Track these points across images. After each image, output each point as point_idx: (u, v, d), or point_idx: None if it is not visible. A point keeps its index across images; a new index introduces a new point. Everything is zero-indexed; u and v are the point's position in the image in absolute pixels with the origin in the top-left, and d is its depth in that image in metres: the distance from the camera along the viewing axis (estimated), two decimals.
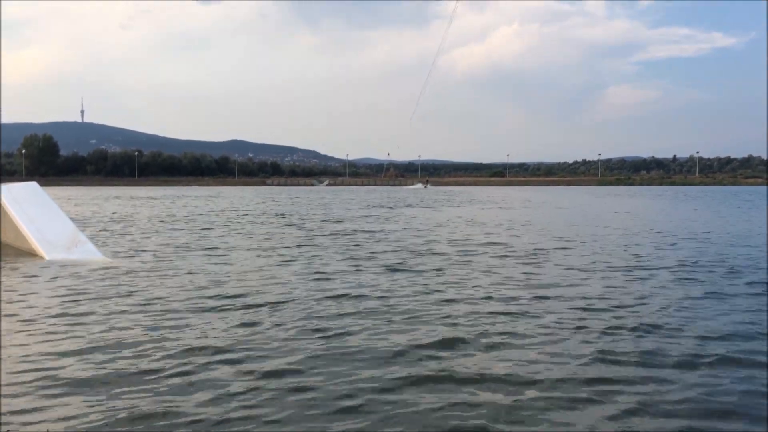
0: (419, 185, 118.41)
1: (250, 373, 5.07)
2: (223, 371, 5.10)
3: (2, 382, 4.78)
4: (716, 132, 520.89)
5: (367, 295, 8.24)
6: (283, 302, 7.77)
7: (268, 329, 6.44)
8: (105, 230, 18.88)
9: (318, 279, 9.64)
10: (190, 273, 10.15)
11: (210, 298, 8.05)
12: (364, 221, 23.56)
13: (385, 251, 13.38)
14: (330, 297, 8.13)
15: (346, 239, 16.08)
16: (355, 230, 19.03)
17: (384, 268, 10.82)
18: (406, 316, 7.09)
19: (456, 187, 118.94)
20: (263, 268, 10.84)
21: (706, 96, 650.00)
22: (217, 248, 13.85)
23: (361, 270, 10.60)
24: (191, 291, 8.51)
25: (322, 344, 5.90)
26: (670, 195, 63.96)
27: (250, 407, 4.34)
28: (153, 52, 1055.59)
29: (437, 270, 10.57)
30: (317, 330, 6.40)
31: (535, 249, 13.69)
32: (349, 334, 6.26)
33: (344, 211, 31.60)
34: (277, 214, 28.09)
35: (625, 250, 13.46)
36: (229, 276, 9.86)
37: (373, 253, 13.07)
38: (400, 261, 11.76)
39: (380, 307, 7.49)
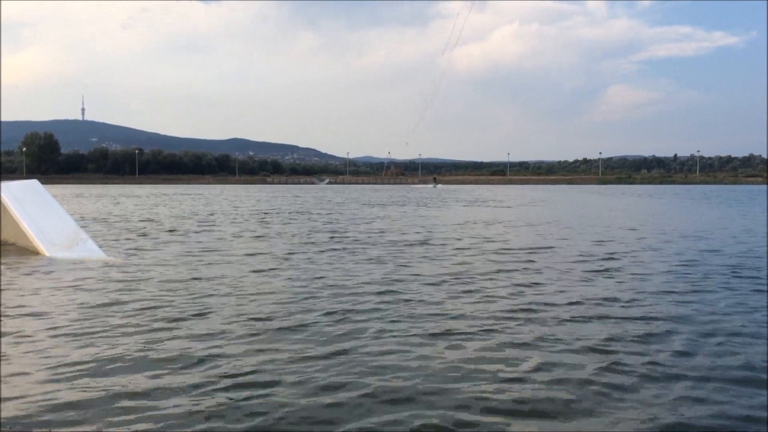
0: (428, 184, 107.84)
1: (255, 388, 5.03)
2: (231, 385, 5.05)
3: (2, 383, 4.73)
4: (717, 131, 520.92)
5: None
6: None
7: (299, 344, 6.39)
8: (109, 229, 18.80)
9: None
10: (194, 279, 9.92)
11: (208, 301, 7.99)
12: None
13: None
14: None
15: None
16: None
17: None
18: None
19: (463, 185, 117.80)
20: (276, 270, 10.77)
21: (707, 95, 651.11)
22: (227, 250, 13.73)
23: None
24: (192, 294, 8.44)
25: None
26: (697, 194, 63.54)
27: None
28: (154, 52, 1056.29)
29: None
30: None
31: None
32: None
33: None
34: (294, 213, 27.97)
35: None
36: (241, 282, 9.75)
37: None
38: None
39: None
